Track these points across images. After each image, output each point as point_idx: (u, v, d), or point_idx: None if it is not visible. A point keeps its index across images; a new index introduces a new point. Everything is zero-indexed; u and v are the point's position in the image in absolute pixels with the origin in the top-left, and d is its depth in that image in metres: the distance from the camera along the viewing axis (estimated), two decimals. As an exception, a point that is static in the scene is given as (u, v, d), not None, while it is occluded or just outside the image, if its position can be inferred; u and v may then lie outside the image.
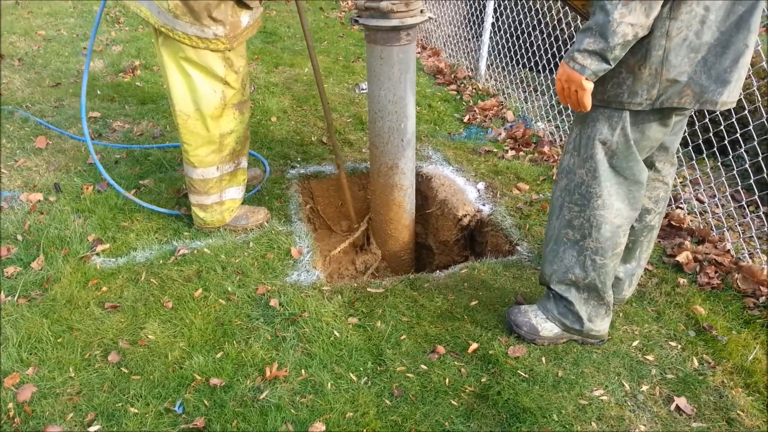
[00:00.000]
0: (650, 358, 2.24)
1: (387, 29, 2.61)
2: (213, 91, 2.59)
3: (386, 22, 2.57)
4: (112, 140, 3.93)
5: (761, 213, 3.14)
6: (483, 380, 2.13)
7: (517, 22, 4.75)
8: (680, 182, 3.29)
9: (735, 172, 3.11)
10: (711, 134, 3.10)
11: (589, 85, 1.80)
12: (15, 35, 6.11)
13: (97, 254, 2.81)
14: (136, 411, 2.00)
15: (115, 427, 1.95)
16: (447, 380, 2.13)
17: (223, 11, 2.43)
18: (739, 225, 3.03)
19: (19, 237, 2.92)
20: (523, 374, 2.14)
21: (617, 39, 1.68)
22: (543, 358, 2.22)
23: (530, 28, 4.63)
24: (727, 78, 1.76)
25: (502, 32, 4.93)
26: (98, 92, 4.70)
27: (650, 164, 2.14)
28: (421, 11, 2.69)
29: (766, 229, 2.95)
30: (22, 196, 3.26)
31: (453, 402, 2.04)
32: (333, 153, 3.16)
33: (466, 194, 3.39)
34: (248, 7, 2.54)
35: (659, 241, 2.88)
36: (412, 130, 2.95)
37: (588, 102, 1.84)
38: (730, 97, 1.81)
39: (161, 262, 2.75)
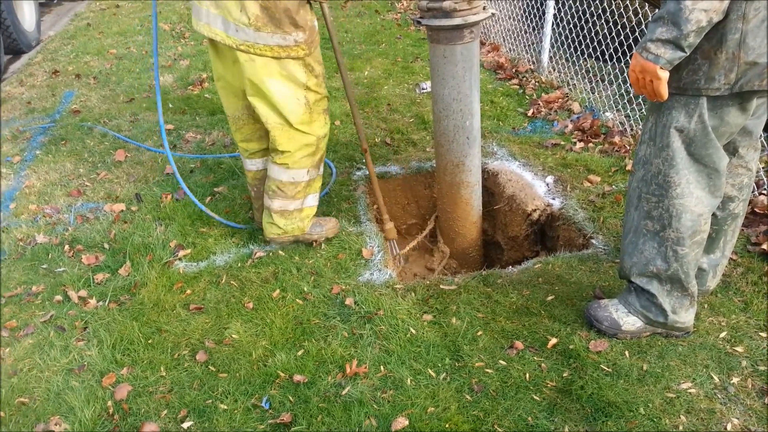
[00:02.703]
0: (740, 349, 2.16)
1: (450, 28, 2.61)
2: (296, 99, 2.56)
3: (449, 21, 2.58)
4: (185, 150, 4.09)
5: None
6: (564, 375, 2.10)
7: (580, 12, 4.66)
8: (762, 167, 3.14)
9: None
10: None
11: (665, 74, 1.77)
12: (89, 55, 6.45)
13: (180, 259, 2.94)
14: (225, 407, 2.08)
15: (206, 423, 2.04)
16: (527, 375, 2.11)
17: (303, 16, 2.42)
18: (830, 210, 2.87)
19: (106, 245, 3.09)
20: (606, 368, 2.10)
21: (690, 26, 1.65)
22: (626, 352, 2.17)
23: (595, 17, 4.53)
24: None
25: (564, 23, 4.84)
26: (170, 105, 4.91)
27: (734, 150, 2.07)
28: (484, 8, 2.68)
29: None
30: (106, 206, 3.45)
31: (535, 397, 2.03)
32: (360, 137, 3.00)
33: (535, 189, 3.35)
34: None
35: (742, 230, 2.76)
36: (477, 127, 2.94)
37: (664, 91, 1.80)
38: None
39: (239, 264, 2.85)
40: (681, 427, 1.88)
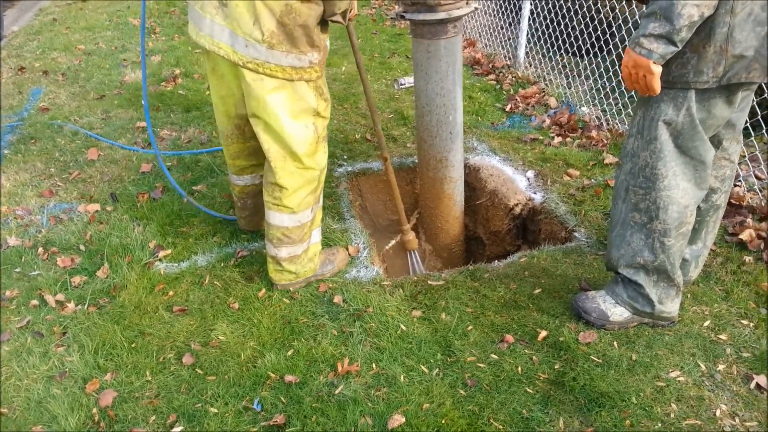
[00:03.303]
0: (723, 337, 2.20)
1: (434, 23, 2.60)
2: (305, 127, 2.31)
3: (433, 15, 2.57)
4: (161, 148, 4.01)
5: (824, 186, 3.06)
6: (556, 367, 2.12)
7: (556, 8, 4.69)
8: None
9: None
10: (768, 109, 3.03)
11: (658, 69, 1.80)
12: (56, 51, 6.26)
13: (160, 260, 2.87)
14: (215, 411, 2.04)
15: (197, 427, 2.00)
16: (519, 368, 2.13)
17: (319, 35, 2.21)
18: (802, 200, 2.95)
19: (82, 247, 3.00)
20: (596, 359, 2.13)
21: (683, 21, 1.68)
22: (615, 343, 2.20)
23: (571, 13, 4.57)
24: None
25: (541, 18, 4.88)
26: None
27: (718, 142, 2.11)
28: (467, 2, 2.68)
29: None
30: (80, 207, 3.34)
31: (528, 390, 2.04)
32: (379, 148, 2.96)
33: (516, 183, 3.37)
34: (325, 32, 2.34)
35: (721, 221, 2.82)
36: (460, 122, 2.95)
37: (657, 86, 1.83)
38: None
39: (222, 264, 2.80)
40: (672, 415, 1.91)
